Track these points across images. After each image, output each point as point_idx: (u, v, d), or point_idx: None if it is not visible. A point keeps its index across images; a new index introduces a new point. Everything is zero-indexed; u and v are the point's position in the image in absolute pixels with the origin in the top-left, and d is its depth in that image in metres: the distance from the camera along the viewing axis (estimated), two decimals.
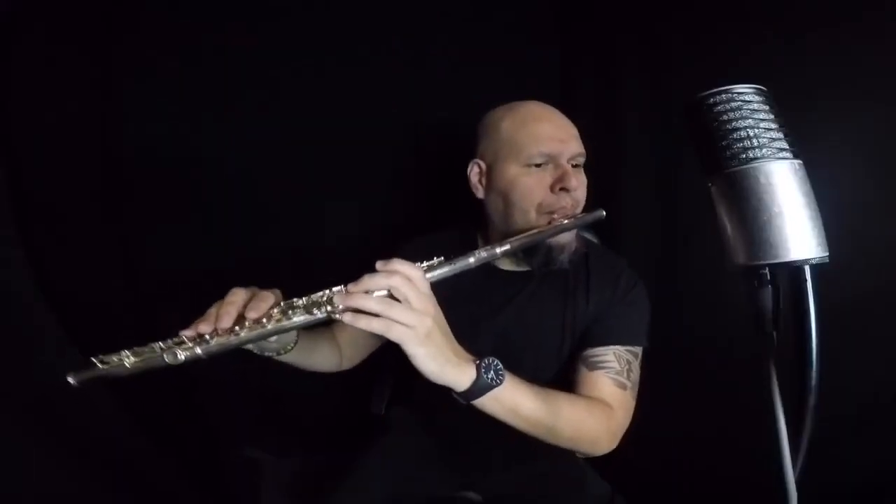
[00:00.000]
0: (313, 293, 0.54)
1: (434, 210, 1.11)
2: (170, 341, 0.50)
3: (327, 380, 0.88)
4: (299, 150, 1.13)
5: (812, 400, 0.47)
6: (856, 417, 0.81)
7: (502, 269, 0.83)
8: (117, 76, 1.03)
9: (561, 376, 0.80)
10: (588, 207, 0.75)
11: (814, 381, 0.47)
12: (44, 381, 0.86)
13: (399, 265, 0.53)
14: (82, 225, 1.02)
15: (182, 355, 0.49)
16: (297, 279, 1.19)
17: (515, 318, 0.81)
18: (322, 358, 0.81)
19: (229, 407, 1.16)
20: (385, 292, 0.52)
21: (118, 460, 0.92)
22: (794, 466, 0.50)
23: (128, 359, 0.49)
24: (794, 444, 0.50)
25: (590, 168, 0.78)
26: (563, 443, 0.66)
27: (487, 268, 0.81)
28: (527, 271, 0.81)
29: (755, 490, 0.58)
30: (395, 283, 0.52)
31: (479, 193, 0.81)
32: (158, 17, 1.04)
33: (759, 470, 0.54)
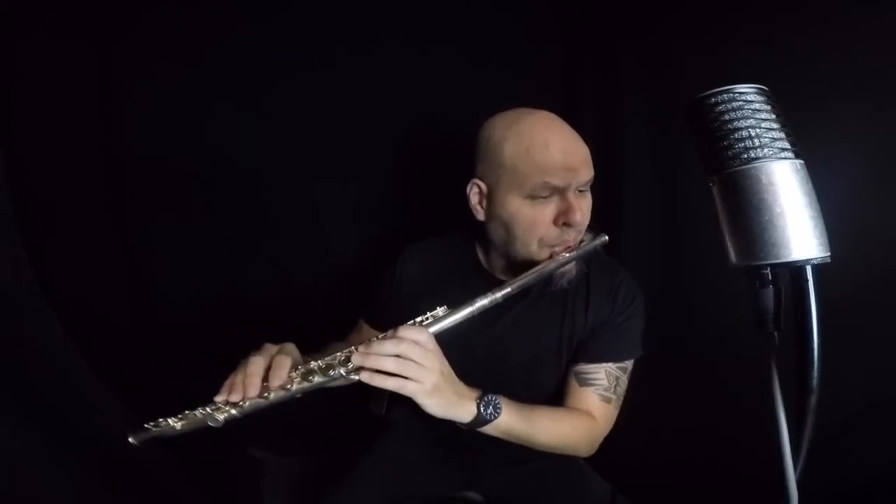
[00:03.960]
0: (327, 355, 0.61)
1: (434, 210, 1.11)
2: (208, 408, 0.57)
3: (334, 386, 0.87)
4: (300, 150, 1.13)
5: (813, 400, 0.47)
6: (857, 417, 0.81)
7: (501, 279, 0.83)
8: (118, 76, 1.03)
9: (559, 385, 0.81)
10: (590, 211, 0.74)
11: (815, 381, 0.47)
12: (44, 381, 0.86)
13: (406, 332, 0.59)
14: (83, 225, 1.02)
15: (222, 418, 0.56)
16: (297, 279, 1.19)
17: (514, 329, 0.81)
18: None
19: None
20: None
21: (119, 459, 0.91)
22: (795, 466, 0.50)
23: (176, 424, 0.57)
24: (796, 443, 0.50)
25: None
26: (548, 450, 0.74)
27: (487, 279, 0.81)
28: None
29: (756, 490, 0.58)
30: (404, 349, 0.58)
31: (480, 216, 0.77)
32: (159, 17, 1.04)
33: (760, 470, 0.54)
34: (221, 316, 1.10)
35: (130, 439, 0.57)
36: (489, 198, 0.74)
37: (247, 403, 0.57)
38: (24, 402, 0.79)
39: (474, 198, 0.76)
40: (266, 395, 0.57)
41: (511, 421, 0.67)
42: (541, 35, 1.24)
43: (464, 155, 0.80)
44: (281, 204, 1.15)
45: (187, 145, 1.07)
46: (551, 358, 0.81)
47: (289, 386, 0.58)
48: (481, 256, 0.84)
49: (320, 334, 0.86)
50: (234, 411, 0.57)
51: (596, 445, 0.78)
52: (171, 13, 1.03)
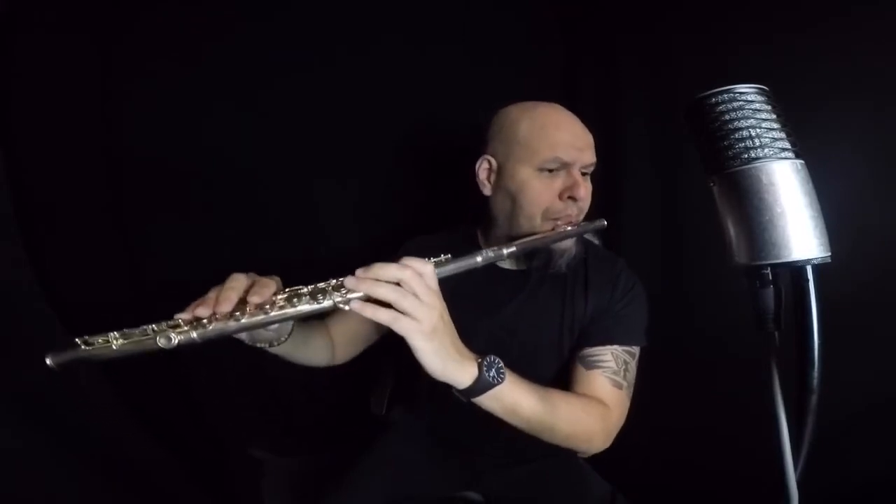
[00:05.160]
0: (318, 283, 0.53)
1: (434, 210, 1.11)
2: (164, 324, 0.47)
3: (328, 380, 0.87)
4: (300, 150, 1.13)
5: (814, 400, 0.47)
6: (857, 417, 0.81)
7: (502, 268, 0.83)
8: (118, 76, 1.03)
9: (561, 374, 0.81)
10: (591, 207, 0.75)
11: (815, 381, 0.47)
12: (45, 382, 0.86)
13: (409, 261, 0.54)
14: (83, 225, 1.02)
15: (176, 339, 0.46)
16: (297, 280, 1.19)
17: (515, 317, 0.81)
18: (314, 351, 0.79)
19: (232, 406, 1.16)
20: (393, 284, 0.52)
21: (120, 460, 0.91)
22: (795, 466, 0.50)
23: (115, 340, 0.45)
24: (796, 444, 0.50)
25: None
26: (560, 441, 0.67)
27: (488, 266, 0.80)
28: (526, 270, 0.81)
29: (756, 490, 0.58)
30: (406, 276, 0.52)
31: (487, 191, 0.80)
32: (159, 17, 1.04)
33: (760, 470, 0.54)
34: None
35: (48, 360, 0.44)
36: (499, 172, 0.77)
37: (212, 325, 0.47)
38: (24, 402, 0.79)
39: (483, 173, 0.79)
40: (238, 315, 0.48)
41: (516, 394, 0.60)
42: (541, 35, 1.24)
43: (465, 153, 0.81)
44: (281, 204, 1.15)
45: (187, 145, 1.07)
46: (553, 348, 0.81)
47: (267, 307, 0.49)
48: (483, 245, 0.85)
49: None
50: (194, 334, 0.46)
51: (611, 437, 0.72)
52: (171, 13, 1.03)
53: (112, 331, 0.46)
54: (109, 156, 1.06)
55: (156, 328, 0.46)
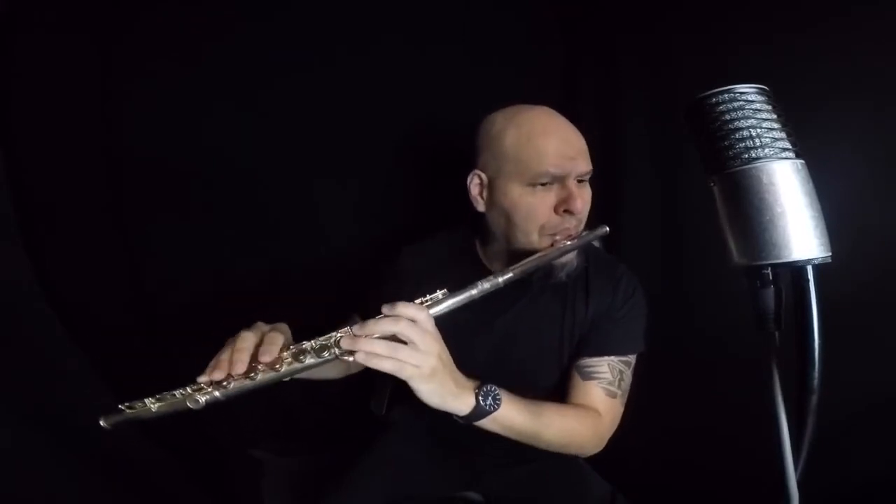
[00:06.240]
0: (321, 335, 0.57)
1: (434, 210, 1.11)
2: (189, 388, 0.53)
3: (328, 381, 0.88)
4: (300, 150, 1.12)
5: (814, 400, 0.47)
6: (857, 417, 0.81)
7: None
8: (118, 76, 1.03)
9: (561, 379, 0.81)
10: (590, 208, 0.74)
11: (816, 381, 0.47)
12: (44, 381, 0.86)
13: (404, 308, 0.55)
14: (83, 225, 1.02)
15: (203, 399, 0.52)
16: (298, 280, 1.19)
17: (515, 325, 0.81)
18: (332, 370, 0.82)
19: (232, 407, 1.16)
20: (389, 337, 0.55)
21: (120, 460, 0.91)
22: (795, 466, 0.50)
23: (153, 404, 0.53)
24: (796, 443, 0.50)
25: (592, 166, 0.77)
26: (554, 449, 0.71)
27: (487, 275, 0.81)
28: (527, 278, 0.81)
29: (757, 490, 0.58)
30: (401, 328, 0.54)
31: (480, 207, 0.77)
32: (159, 17, 1.03)
33: (760, 470, 0.54)
34: (222, 316, 1.09)
35: (102, 422, 0.53)
36: (490, 188, 0.75)
37: (231, 385, 0.53)
38: (24, 402, 0.79)
39: (475, 189, 0.77)
40: (253, 375, 0.53)
41: (512, 415, 0.64)
42: (541, 35, 1.24)
43: (464, 155, 0.81)
44: (281, 204, 1.15)
45: (187, 145, 1.07)
46: (553, 354, 0.81)
47: (278, 366, 0.54)
48: (481, 253, 0.85)
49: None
50: (217, 393, 0.53)
51: (603, 443, 0.75)
52: (171, 13, 1.03)
53: (148, 397, 0.54)
54: (109, 156, 1.06)
55: (184, 392, 0.53)
